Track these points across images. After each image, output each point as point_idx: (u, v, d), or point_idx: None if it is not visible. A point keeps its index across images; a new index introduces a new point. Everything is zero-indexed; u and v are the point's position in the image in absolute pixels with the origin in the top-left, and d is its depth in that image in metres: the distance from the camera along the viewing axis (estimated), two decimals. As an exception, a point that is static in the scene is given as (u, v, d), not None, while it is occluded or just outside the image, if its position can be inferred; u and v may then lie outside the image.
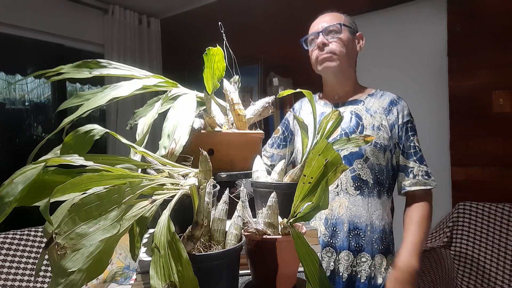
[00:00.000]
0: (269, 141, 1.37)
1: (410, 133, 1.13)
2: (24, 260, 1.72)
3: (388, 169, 1.13)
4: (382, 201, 1.11)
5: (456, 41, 2.09)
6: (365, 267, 1.05)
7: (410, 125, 1.14)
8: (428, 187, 1.10)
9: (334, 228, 1.07)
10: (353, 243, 1.06)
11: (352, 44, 1.19)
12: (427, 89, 2.21)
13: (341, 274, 1.05)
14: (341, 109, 1.16)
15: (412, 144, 1.12)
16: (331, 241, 1.08)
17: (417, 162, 1.11)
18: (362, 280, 1.05)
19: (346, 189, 1.09)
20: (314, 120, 0.76)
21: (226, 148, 0.77)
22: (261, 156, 0.81)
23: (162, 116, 0.75)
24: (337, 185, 1.10)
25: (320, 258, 1.08)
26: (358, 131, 1.11)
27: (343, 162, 1.07)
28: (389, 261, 1.09)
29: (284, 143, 1.32)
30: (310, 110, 1.25)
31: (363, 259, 1.06)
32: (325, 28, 1.16)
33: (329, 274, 1.06)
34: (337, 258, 1.06)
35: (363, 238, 1.06)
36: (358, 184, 1.09)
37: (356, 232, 1.06)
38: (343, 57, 1.16)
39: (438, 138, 2.15)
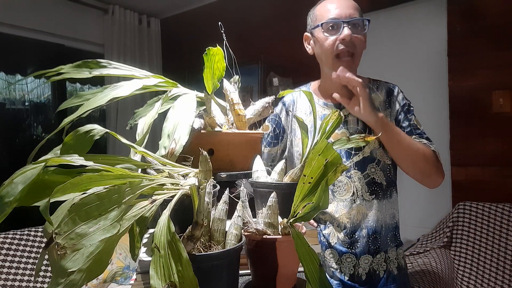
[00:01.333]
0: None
1: (408, 114, 1.09)
2: (24, 260, 1.72)
3: (395, 165, 1.11)
4: (393, 200, 1.10)
5: (456, 41, 2.09)
6: (382, 263, 1.05)
7: (408, 108, 1.10)
8: (433, 148, 1.03)
9: (354, 235, 1.06)
10: (372, 247, 1.05)
11: (365, 42, 1.10)
12: (427, 89, 2.21)
13: (360, 275, 1.05)
14: (345, 110, 1.10)
15: (412, 123, 1.08)
16: (351, 248, 1.06)
17: (417, 136, 1.06)
18: (381, 276, 1.05)
19: (362, 195, 1.06)
20: (314, 120, 0.76)
21: (226, 148, 0.77)
22: (261, 156, 0.81)
23: (162, 116, 0.75)
24: (353, 193, 1.07)
25: (340, 263, 1.07)
26: (367, 133, 1.07)
27: (357, 168, 1.05)
28: (399, 251, 1.10)
29: (275, 141, 1.24)
30: (305, 110, 1.18)
31: (380, 257, 1.06)
32: (352, 20, 1.03)
33: (348, 278, 1.05)
34: (357, 262, 1.06)
35: (379, 240, 1.05)
36: (373, 188, 1.06)
37: (374, 236, 1.05)
38: (359, 57, 1.08)
39: (438, 138, 2.14)
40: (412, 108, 1.11)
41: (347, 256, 1.06)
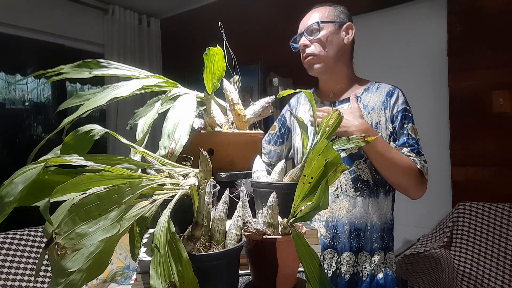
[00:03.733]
0: (266, 138, 1.33)
1: (404, 121, 1.08)
2: (24, 260, 1.72)
3: None
4: (382, 201, 1.09)
5: (456, 41, 2.09)
6: (366, 266, 1.05)
7: (405, 113, 1.08)
8: (415, 160, 1.03)
9: (335, 230, 1.07)
10: (354, 244, 1.06)
11: (337, 39, 1.12)
12: (427, 89, 2.21)
13: (343, 275, 1.05)
14: (338, 107, 1.13)
15: (405, 131, 1.07)
16: (333, 242, 1.07)
17: (407, 148, 1.05)
18: (364, 278, 1.05)
19: (346, 191, 1.08)
20: (314, 121, 0.77)
21: (226, 148, 0.77)
22: (261, 156, 0.81)
23: (162, 116, 0.75)
24: (337, 188, 1.09)
25: (322, 259, 1.08)
26: None
27: (344, 163, 1.06)
28: (389, 257, 1.09)
29: (281, 139, 1.30)
30: (306, 109, 1.23)
31: (364, 258, 1.06)
32: (307, 28, 1.13)
33: (330, 275, 1.06)
34: (339, 259, 1.06)
35: (363, 238, 1.06)
36: (358, 185, 1.07)
37: (356, 233, 1.06)
38: (326, 57, 1.12)
39: (438, 138, 2.15)
40: (410, 115, 1.10)
41: (329, 252, 1.07)
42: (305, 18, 1.17)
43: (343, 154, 1.09)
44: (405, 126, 1.07)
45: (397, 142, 1.07)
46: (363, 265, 1.05)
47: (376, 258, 1.06)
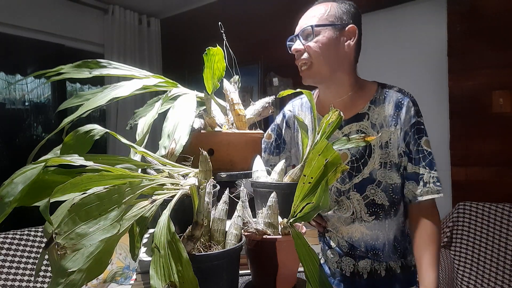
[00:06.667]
0: (262, 145, 1.21)
1: (417, 136, 0.98)
2: (24, 260, 1.72)
3: (401, 185, 1.02)
4: (398, 218, 1.04)
5: (456, 41, 2.09)
6: (384, 266, 1.04)
7: (417, 127, 0.98)
8: (440, 195, 0.97)
9: (352, 247, 1.05)
10: (371, 257, 1.04)
11: (335, 46, 0.96)
12: (427, 89, 2.21)
13: (361, 273, 1.04)
14: (346, 129, 1.02)
15: (420, 148, 0.97)
16: (351, 252, 1.05)
17: (427, 168, 0.97)
18: (383, 275, 1.03)
19: (361, 216, 1.02)
20: (314, 120, 0.76)
21: (226, 148, 0.77)
22: (261, 156, 0.81)
23: (162, 116, 0.75)
24: (352, 213, 1.02)
25: (340, 261, 1.07)
26: (367, 154, 0.99)
27: (356, 190, 1.00)
28: (406, 261, 1.06)
29: (277, 150, 1.20)
30: (305, 116, 1.14)
31: (381, 262, 1.04)
32: (301, 31, 0.98)
33: (348, 275, 1.05)
34: (357, 263, 1.04)
35: (381, 255, 1.03)
36: (373, 209, 1.01)
37: (374, 252, 1.03)
38: (321, 67, 0.97)
39: (438, 138, 2.14)
40: (423, 127, 0.99)
41: (346, 258, 1.06)
42: (304, 16, 1.03)
43: (356, 180, 1.01)
44: (419, 141, 0.98)
45: (413, 162, 0.98)
46: (382, 266, 1.03)
47: (394, 264, 1.04)
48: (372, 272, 1.04)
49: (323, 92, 1.08)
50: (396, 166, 0.99)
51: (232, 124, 0.81)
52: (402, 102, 0.99)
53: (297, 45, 0.98)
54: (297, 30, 1.01)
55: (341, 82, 1.01)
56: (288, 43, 1.05)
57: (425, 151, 0.97)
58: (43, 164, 0.44)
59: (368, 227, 1.02)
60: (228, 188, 0.64)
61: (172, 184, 0.57)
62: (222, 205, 0.60)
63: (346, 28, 0.97)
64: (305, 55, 0.98)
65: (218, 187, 0.68)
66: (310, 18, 0.99)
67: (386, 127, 0.99)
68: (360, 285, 1.04)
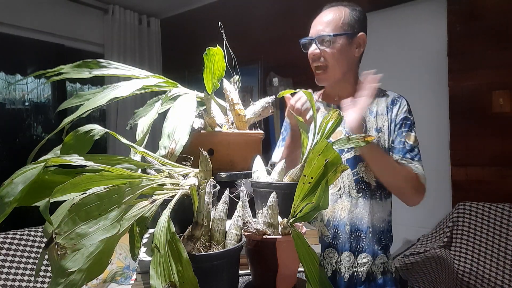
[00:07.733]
0: (279, 144, 1.30)
1: (403, 129, 1.08)
2: (24, 260, 1.72)
3: None
4: (383, 203, 1.10)
5: (456, 41, 2.09)
6: (365, 267, 1.05)
7: (405, 122, 1.09)
8: (411, 166, 1.04)
9: (336, 230, 1.08)
10: (354, 244, 1.06)
11: (348, 52, 1.10)
12: (427, 89, 2.21)
13: (342, 274, 1.06)
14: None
15: (402, 139, 1.07)
16: (333, 242, 1.08)
17: (401, 155, 1.06)
18: (363, 280, 1.05)
19: (349, 191, 1.08)
20: (314, 120, 0.76)
21: (226, 148, 0.77)
22: (261, 156, 0.81)
23: (162, 116, 0.75)
24: (340, 188, 1.09)
25: (322, 259, 1.08)
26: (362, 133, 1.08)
27: (348, 165, 1.04)
28: (388, 260, 1.09)
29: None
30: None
31: (364, 260, 1.06)
32: (318, 36, 1.08)
33: (330, 274, 1.06)
34: (339, 258, 1.07)
35: (364, 240, 1.06)
36: (361, 186, 1.08)
37: (357, 234, 1.06)
38: (336, 71, 1.10)
39: (438, 138, 2.14)
40: (409, 123, 1.10)
41: (329, 251, 1.07)
42: (318, 19, 1.12)
43: (348, 156, 1.09)
44: (403, 134, 1.08)
45: (393, 150, 1.08)
46: (363, 267, 1.05)
47: (376, 261, 1.07)
48: (354, 274, 1.05)
49: (332, 87, 1.20)
50: (385, 151, 1.09)
51: (232, 124, 0.81)
52: (398, 99, 1.13)
53: (314, 49, 1.10)
54: (313, 33, 1.11)
55: (348, 80, 1.16)
56: (302, 41, 1.15)
57: (405, 143, 1.08)
58: (43, 164, 0.44)
59: (353, 204, 1.08)
60: (228, 188, 0.64)
61: (172, 184, 0.57)
62: (222, 205, 0.60)
63: (357, 36, 1.10)
64: (321, 60, 1.09)
65: (218, 187, 0.68)
66: (326, 24, 1.09)
67: (381, 115, 1.11)
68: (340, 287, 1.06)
